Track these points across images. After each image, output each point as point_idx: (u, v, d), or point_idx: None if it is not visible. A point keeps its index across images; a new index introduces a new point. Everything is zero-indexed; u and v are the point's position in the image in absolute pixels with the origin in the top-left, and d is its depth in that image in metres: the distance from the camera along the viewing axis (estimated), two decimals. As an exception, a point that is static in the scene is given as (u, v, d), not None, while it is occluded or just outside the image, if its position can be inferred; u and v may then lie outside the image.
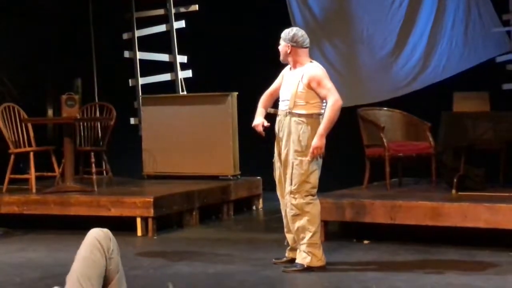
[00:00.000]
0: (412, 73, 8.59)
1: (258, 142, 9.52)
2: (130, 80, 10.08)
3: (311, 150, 5.34)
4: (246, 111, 8.88)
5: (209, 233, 7.34)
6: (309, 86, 5.37)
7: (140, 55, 10.06)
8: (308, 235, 5.38)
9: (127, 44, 10.18)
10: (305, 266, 5.36)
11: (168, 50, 9.83)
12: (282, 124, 5.52)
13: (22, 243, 6.81)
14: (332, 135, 9.11)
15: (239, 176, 8.72)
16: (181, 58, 9.88)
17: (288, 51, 5.52)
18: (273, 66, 9.56)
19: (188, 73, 9.87)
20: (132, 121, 9.94)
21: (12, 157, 7.88)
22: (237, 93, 8.70)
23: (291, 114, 5.43)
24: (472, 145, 6.96)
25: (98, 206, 7.17)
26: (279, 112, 5.58)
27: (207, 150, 8.67)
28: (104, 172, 8.63)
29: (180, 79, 9.77)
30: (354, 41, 8.81)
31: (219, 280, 5.20)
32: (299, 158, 5.38)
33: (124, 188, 8.05)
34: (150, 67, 10.02)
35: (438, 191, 6.92)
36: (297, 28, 5.71)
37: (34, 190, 7.71)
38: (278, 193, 5.74)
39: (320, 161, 5.46)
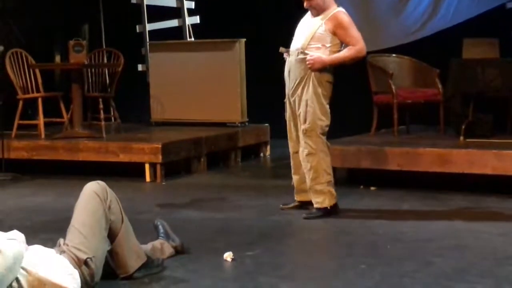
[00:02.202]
0: (421, 19, 8.50)
1: (266, 89, 9.55)
2: (137, 26, 10.01)
3: (310, 56, 5.23)
4: (254, 58, 8.86)
5: (216, 179, 7.38)
6: (332, 31, 5.22)
7: (147, 0, 9.98)
8: (323, 174, 5.32)
9: (134, -11, 10.09)
10: (327, 207, 5.34)
11: (175, -5, 9.76)
12: (293, 64, 5.39)
13: (31, 188, 6.87)
14: (341, 82, 9.13)
15: (246, 123, 8.73)
16: (189, 4, 9.80)
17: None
18: (281, 13, 9.53)
19: (196, 19, 9.80)
20: (140, 67, 9.91)
21: (21, 102, 7.89)
22: (245, 39, 8.65)
23: (303, 54, 5.29)
24: (480, 92, 6.92)
25: (107, 152, 7.20)
26: (291, 52, 5.43)
27: (215, 96, 8.65)
28: (112, 118, 8.64)
29: (188, 25, 9.70)
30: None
31: (227, 225, 5.25)
32: (311, 98, 5.30)
33: (132, 135, 8.08)
34: (158, 13, 9.95)
35: (446, 138, 6.92)
36: None
37: (42, 136, 7.75)
38: (288, 133, 5.68)
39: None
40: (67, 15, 10.62)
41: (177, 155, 7.36)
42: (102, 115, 7.89)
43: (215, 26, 9.45)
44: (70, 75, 7.94)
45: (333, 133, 7.54)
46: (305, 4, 5.34)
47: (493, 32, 7.54)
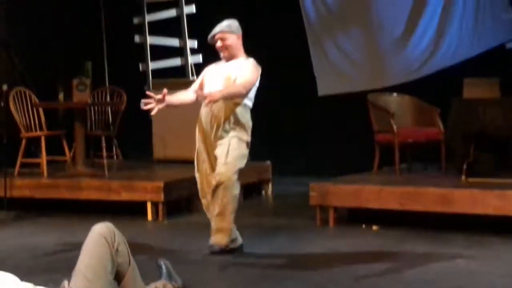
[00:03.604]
0: (422, 58, 8.57)
1: (267, 126, 9.60)
2: (140, 65, 10.10)
3: (207, 92, 5.20)
4: (256, 94, 8.89)
5: (218, 217, 7.35)
6: (238, 76, 5.27)
7: (150, 39, 10.08)
8: (228, 212, 5.32)
9: (137, 28, 10.20)
10: (225, 247, 5.36)
11: (179, 35, 9.85)
12: (208, 111, 5.30)
13: (34, 227, 6.87)
14: (342, 120, 9.19)
15: (248, 161, 8.72)
16: (191, 43, 9.89)
17: (239, 42, 5.39)
18: (282, 53, 9.62)
19: (198, 58, 9.88)
20: (142, 106, 9.94)
21: (24, 141, 7.93)
22: (246, 78, 8.69)
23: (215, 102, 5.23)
24: (482, 131, 6.95)
25: (109, 190, 7.21)
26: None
27: (217, 134, 8.67)
28: (115, 156, 8.68)
29: (190, 64, 9.78)
30: (364, 25, 8.79)
31: (229, 265, 5.24)
32: (235, 137, 5.30)
33: (135, 173, 8.09)
34: (160, 52, 10.04)
35: (447, 177, 6.92)
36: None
37: (45, 174, 7.77)
38: (201, 191, 5.57)
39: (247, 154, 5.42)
40: (70, 53, 10.72)
41: (179, 193, 7.36)
42: (104, 153, 7.92)
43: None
44: (73, 114, 7.99)
45: (335, 171, 7.61)
46: (218, 43, 5.35)
47: (493, 71, 7.60)
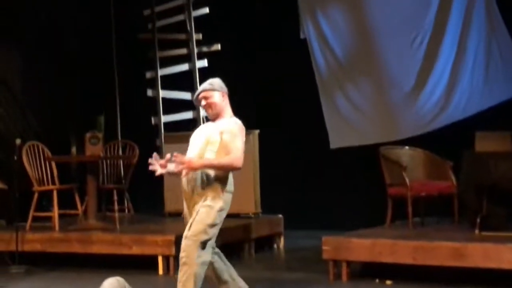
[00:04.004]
0: (433, 112, 8.58)
1: (280, 180, 9.60)
2: (152, 118, 10.17)
3: (183, 159, 4.93)
4: (267, 149, 8.95)
5: (230, 271, 7.31)
6: (222, 137, 5.03)
7: (162, 93, 10.17)
8: None
9: (150, 82, 10.31)
10: None
11: (191, 88, 9.92)
12: (190, 175, 5.03)
13: (45, 281, 6.84)
14: (355, 174, 9.18)
15: (260, 214, 8.72)
16: (203, 97, 9.94)
17: (223, 99, 5.19)
18: (294, 105, 9.68)
19: (210, 112, 9.93)
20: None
21: (36, 195, 7.95)
22: (258, 131, 8.74)
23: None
24: (494, 185, 6.91)
25: (120, 244, 7.19)
26: None
27: (229, 188, 8.67)
28: (126, 210, 8.68)
29: (202, 117, 9.83)
30: (375, 79, 8.84)
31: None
32: (205, 206, 4.96)
33: (146, 226, 8.07)
34: (173, 105, 10.12)
35: (460, 231, 6.87)
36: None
37: (57, 228, 7.76)
38: None
39: (222, 218, 5.08)
40: (83, 107, 10.82)
41: (190, 247, 7.32)
42: (116, 207, 7.93)
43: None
44: (85, 167, 8.02)
45: (348, 225, 7.56)
46: (202, 103, 5.19)
47: (505, 124, 7.60)
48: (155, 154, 5.19)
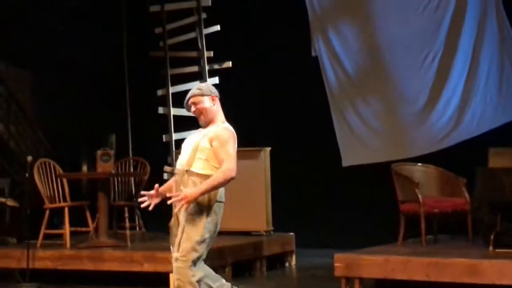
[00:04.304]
0: (445, 129, 8.54)
1: (291, 198, 9.57)
2: (164, 136, 10.17)
3: (181, 194, 4.65)
4: (279, 166, 8.92)
5: (242, 289, 7.28)
6: (210, 143, 4.81)
7: (174, 111, 10.18)
8: None
9: (161, 100, 10.32)
10: None
11: (202, 106, 9.92)
12: (179, 184, 4.85)
13: (56, 298, 6.82)
14: (367, 191, 9.13)
15: (271, 232, 8.67)
16: (214, 114, 9.94)
17: (213, 104, 4.95)
18: (305, 123, 9.66)
19: (221, 129, 9.92)
20: (166, 176, 9.97)
21: (47, 212, 7.94)
22: (269, 148, 8.72)
23: (188, 173, 4.81)
24: (508, 201, 6.86)
25: (131, 261, 7.16)
26: (176, 170, 4.93)
27: (240, 205, 8.63)
28: (137, 227, 8.65)
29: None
30: (387, 97, 8.81)
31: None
32: (190, 222, 4.75)
33: (157, 243, 8.03)
34: (184, 123, 10.11)
35: (474, 248, 6.81)
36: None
37: (68, 245, 7.75)
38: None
39: (212, 229, 4.84)
40: (94, 125, 10.84)
41: (201, 264, 7.28)
42: (127, 224, 7.90)
43: (240, 135, 9.55)
44: (96, 184, 8.01)
45: (360, 242, 7.50)
46: (192, 109, 4.97)
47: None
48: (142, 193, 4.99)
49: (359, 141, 8.89)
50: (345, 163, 8.86)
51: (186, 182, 4.79)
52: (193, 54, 10.22)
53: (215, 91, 5.01)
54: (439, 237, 7.50)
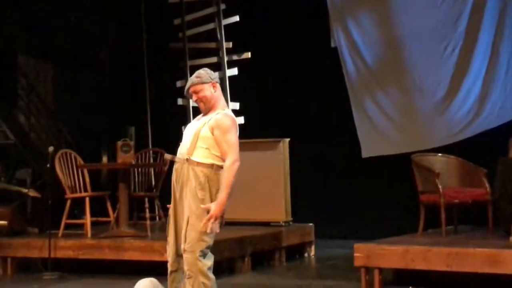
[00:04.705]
0: (465, 120, 8.50)
1: (310, 189, 9.58)
2: (183, 127, 10.15)
3: (207, 217, 4.63)
4: (298, 157, 8.93)
5: (260, 279, 7.31)
6: (211, 131, 4.74)
7: (193, 102, 10.18)
8: None
9: (180, 91, 10.34)
10: None
11: (221, 97, 9.95)
12: (179, 174, 4.82)
13: (78, 287, 6.87)
14: (386, 181, 9.12)
15: (291, 223, 8.70)
16: (234, 105, 9.97)
17: (214, 90, 4.87)
18: (325, 113, 9.66)
19: (241, 120, 9.93)
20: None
21: (68, 202, 8.00)
22: (288, 139, 8.73)
23: (188, 162, 4.75)
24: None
25: (152, 251, 7.20)
26: (176, 159, 4.87)
27: (259, 196, 8.67)
28: (157, 217, 8.69)
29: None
30: (406, 88, 8.78)
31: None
32: (195, 213, 4.70)
33: (177, 234, 8.06)
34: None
35: (495, 238, 6.78)
36: None
37: (89, 235, 7.81)
38: (168, 253, 4.97)
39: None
40: (114, 116, 10.91)
41: (220, 254, 7.30)
42: (147, 214, 7.95)
43: (260, 126, 9.59)
44: (117, 175, 8.07)
45: (380, 232, 7.51)
46: (193, 98, 4.93)
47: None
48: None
49: (379, 132, 8.87)
50: (365, 154, 8.85)
51: (187, 171, 4.75)
52: (212, 45, 10.23)
53: (215, 77, 4.94)
54: (459, 227, 7.48)
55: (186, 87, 4.96)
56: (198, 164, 4.72)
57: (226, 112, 4.86)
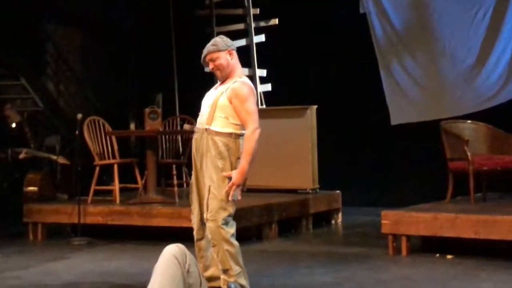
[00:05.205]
0: (495, 87, 8.40)
1: (337, 156, 9.55)
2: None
3: (229, 185, 4.66)
4: (325, 124, 8.90)
5: (288, 246, 7.34)
6: (229, 100, 4.74)
7: (216, 70, 10.16)
8: (230, 266, 4.73)
9: (207, 58, 10.32)
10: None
11: (248, 64, 9.92)
12: (199, 143, 4.83)
13: (107, 252, 6.95)
14: (414, 148, 9.07)
15: (318, 190, 8.70)
16: (261, 72, 9.95)
17: (231, 58, 4.85)
18: (353, 80, 9.59)
19: (268, 87, 9.93)
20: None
21: (97, 169, 8.07)
22: (316, 106, 8.70)
23: (207, 131, 4.76)
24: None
25: (180, 217, 7.25)
26: (196, 129, 4.91)
27: (286, 163, 8.68)
28: (185, 184, 8.73)
29: (260, 92, 9.83)
30: (436, 54, 8.68)
31: (300, 292, 5.20)
32: (216, 182, 4.72)
33: (205, 200, 8.10)
34: (230, 81, 10.13)
35: (524, 206, 6.75)
36: None
37: (117, 201, 7.87)
38: (193, 222, 4.97)
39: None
40: (141, 84, 10.93)
41: (248, 221, 7.36)
42: (175, 181, 7.99)
43: (287, 93, 9.56)
44: (145, 142, 8.10)
45: (408, 200, 7.48)
46: (210, 66, 4.90)
47: None
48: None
49: (408, 99, 8.81)
50: (394, 121, 8.80)
51: (206, 140, 4.76)
52: (239, 11, 10.18)
53: (231, 44, 4.92)
54: (488, 195, 7.43)
55: (203, 55, 4.94)
56: (217, 133, 4.74)
57: (243, 80, 4.86)
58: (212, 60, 4.87)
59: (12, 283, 5.56)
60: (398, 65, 8.83)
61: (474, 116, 7.81)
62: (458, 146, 7.01)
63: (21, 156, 9.46)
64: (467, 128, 7.20)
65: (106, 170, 8.69)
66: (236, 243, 4.81)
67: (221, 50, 4.85)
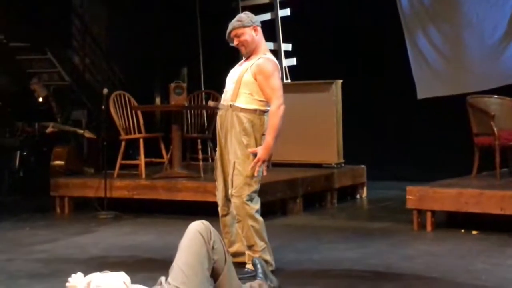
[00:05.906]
0: (523, 62, 8.34)
1: (362, 130, 9.53)
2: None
3: (255, 160, 4.69)
4: (351, 99, 8.87)
5: (312, 220, 7.36)
6: (254, 77, 4.75)
7: (242, 44, 10.14)
8: (254, 241, 4.81)
9: (232, 33, 10.30)
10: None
11: (273, 38, 9.88)
12: (223, 120, 4.86)
13: (132, 226, 7.03)
14: (440, 123, 9.02)
15: (342, 164, 8.69)
16: (286, 46, 9.90)
17: (255, 34, 4.85)
18: (379, 54, 9.53)
19: (293, 61, 9.89)
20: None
21: (123, 143, 8.12)
22: (341, 81, 8.66)
23: (232, 108, 4.79)
24: None
25: (205, 191, 7.28)
26: (220, 106, 4.93)
27: (311, 138, 8.67)
28: (210, 158, 8.75)
29: (285, 67, 9.80)
30: (462, 26, 8.61)
31: (325, 267, 5.21)
32: (241, 158, 4.76)
33: (230, 175, 8.13)
34: (255, 55, 10.10)
35: (550, 181, 6.69)
36: None
37: (143, 176, 7.93)
38: (218, 198, 5.04)
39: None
40: (166, 58, 10.94)
41: (273, 195, 7.38)
42: (200, 156, 8.02)
43: (312, 67, 9.52)
44: (170, 117, 8.13)
45: (433, 175, 7.46)
46: (234, 42, 4.89)
47: None
48: None
49: (434, 73, 8.76)
50: (420, 95, 8.76)
51: (230, 117, 4.78)
52: (264, -15, 10.12)
53: (256, 21, 4.92)
54: (514, 170, 7.39)
55: (228, 31, 4.94)
56: (242, 110, 4.78)
57: (268, 56, 4.87)
58: (237, 36, 4.88)
59: (39, 257, 5.65)
60: (424, 39, 8.77)
61: (500, 91, 7.73)
62: (484, 121, 6.96)
63: (48, 130, 9.54)
64: (493, 103, 7.14)
65: (132, 144, 8.75)
66: (260, 218, 4.85)
67: (246, 26, 4.87)
